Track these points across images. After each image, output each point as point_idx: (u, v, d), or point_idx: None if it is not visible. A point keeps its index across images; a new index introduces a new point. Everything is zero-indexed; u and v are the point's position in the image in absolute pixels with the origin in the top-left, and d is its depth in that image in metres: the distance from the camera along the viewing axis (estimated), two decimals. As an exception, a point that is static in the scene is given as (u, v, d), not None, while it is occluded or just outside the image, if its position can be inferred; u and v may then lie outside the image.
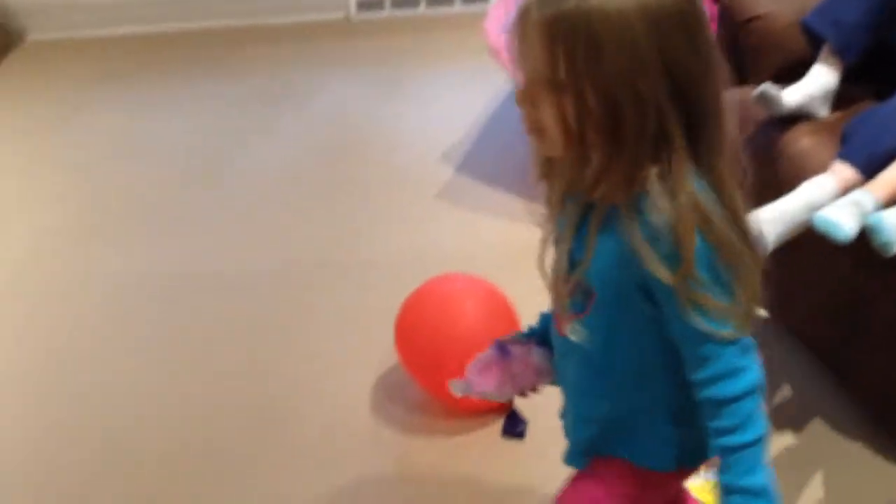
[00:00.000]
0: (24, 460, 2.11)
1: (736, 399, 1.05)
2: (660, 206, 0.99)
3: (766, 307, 1.12)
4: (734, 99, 2.15)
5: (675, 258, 0.99)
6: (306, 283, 2.63)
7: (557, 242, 1.13)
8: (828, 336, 1.99)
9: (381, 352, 2.23)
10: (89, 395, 2.28)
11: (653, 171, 0.99)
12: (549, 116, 1.01)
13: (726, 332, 1.03)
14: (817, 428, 1.95)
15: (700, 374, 1.06)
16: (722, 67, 1.09)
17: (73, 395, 2.29)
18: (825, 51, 2.02)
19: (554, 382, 1.29)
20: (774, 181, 1.92)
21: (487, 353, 1.32)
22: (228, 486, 1.99)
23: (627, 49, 0.95)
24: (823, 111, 2.01)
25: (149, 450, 2.11)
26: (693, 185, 1.00)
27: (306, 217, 2.96)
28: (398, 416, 2.11)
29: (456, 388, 1.35)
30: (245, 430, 2.14)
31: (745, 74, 2.19)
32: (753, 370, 1.06)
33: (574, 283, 1.09)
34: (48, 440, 2.16)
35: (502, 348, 1.30)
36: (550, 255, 1.14)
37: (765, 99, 1.95)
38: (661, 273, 1.00)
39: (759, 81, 2.03)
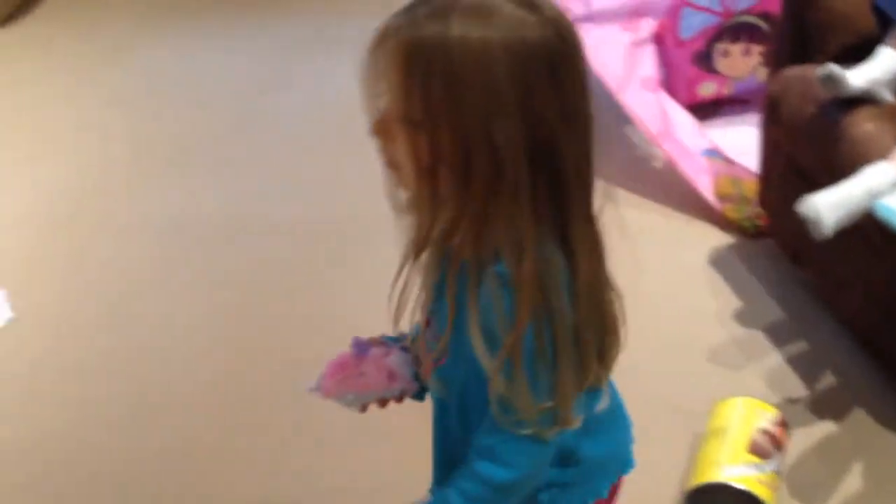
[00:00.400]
0: (69, 384, 2.17)
1: (483, 481, 0.99)
2: (500, 273, 0.90)
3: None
4: (798, 75, 2.10)
5: (498, 339, 0.91)
6: (349, 236, 2.61)
7: (421, 289, 1.04)
8: (878, 327, 1.95)
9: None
10: (134, 330, 2.33)
11: (501, 230, 0.89)
12: (403, 152, 0.92)
13: (520, 428, 0.95)
14: (860, 418, 1.92)
15: (477, 435, 1.00)
16: (593, 119, 0.94)
17: (118, 329, 2.34)
18: (894, 33, 1.96)
19: (411, 393, 1.20)
20: (834, 164, 1.88)
21: (345, 351, 1.23)
22: (260, 430, 2.01)
23: (486, 89, 0.85)
24: (889, 96, 1.95)
25: (190, 386, 2.14)
26: (542, 254, 0.90)
27: (352, 168, 2.92)
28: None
29: (307, 388, 1.24)
30: (282, 375, 2.13)
31: (809, 51, 2.13)
32: (516, 471, 0.99)
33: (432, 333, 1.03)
34: (95, 368, 2.21)
35: (360, 346, 1.21)
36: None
37: (829, 79, 1.90)
38: (480, 350, 0.92)
39: (823, 59, 1.97)
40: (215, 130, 3.17)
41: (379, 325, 2.18)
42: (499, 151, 0.86)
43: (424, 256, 1.01)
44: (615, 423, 1.15)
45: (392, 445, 1.91)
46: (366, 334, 2.22)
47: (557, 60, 0.88)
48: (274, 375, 2.15)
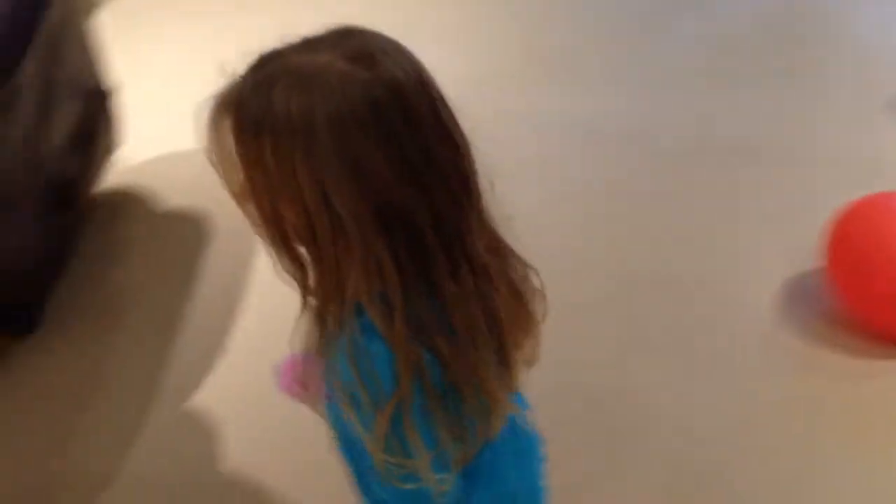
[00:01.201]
0: None
1: None
2: (366, 331, 0.87)
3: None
4: None
5: (373, 409, 0.87)
6: (732, 164, 2.56)
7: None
8: None
9: (798, 253, 2.15)
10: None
11: (361, 289, 0.86)
12: (256, 218, 0.90)
13: (406, 482, 0.92)
14: None
15: (371, 486, 0.99)
16: (458, 168, 0.90)
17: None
18: None
19: None
20: None
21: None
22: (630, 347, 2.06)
23: (312, 157, 0.82)
24: None
25: (575, 294, 2.16)
26: (414, 306, 0.87)
27: (743, 95, 2.84)
28: (801, 322, 2.04)
29: (272, 372, 1.24)
30: (645, 293, 2.17)
31: None
32: None
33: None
34: None
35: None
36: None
37: None
38: (352, 416, 0.89)
39: None
40: (611, 46, 3.17)
41: (748, 264, 2.18)
42: (339, 216, 0.84)
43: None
44: (503, 464, 1.09)
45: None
46: (729, 269, 2.22)
47: (389, 119, 0.83)
48: (634, 291, 2.19)
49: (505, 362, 0.96)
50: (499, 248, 0.98)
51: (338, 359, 0.88)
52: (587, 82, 2.97)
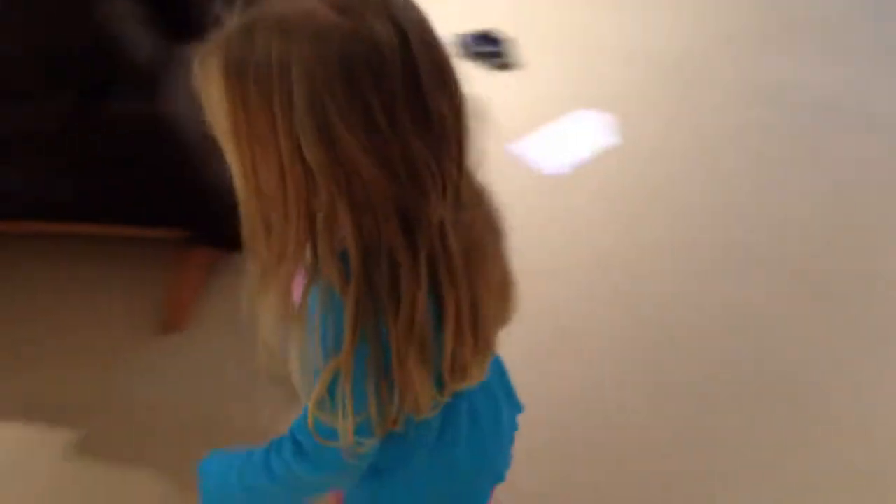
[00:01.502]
0: (647, 211, 2.30)
1: (288, 467, 0.99)
2: (329, 290, 0.86)
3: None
4: None
5: (322, 357, 0.88)
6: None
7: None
8: None
9: None
10: (714, 179, 2.39)
11: (325, 249, 0.85)
12: (234, 166, 0.87)
13: (330, 439, 0.93)
14: None
15: (294, 425, 1.00)
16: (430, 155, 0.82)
17: (701, 176, 2.40)
18: None
19: None
20: None
21: None
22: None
23: (287, 108, 0.79)
24: None
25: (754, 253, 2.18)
26: (370, 270, 0.85)
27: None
28: None
29: None
30: (839, 287, 2.11)
31: None
32: (287, 470, 0.99)
33: None
34: (678, 208, 2.31)
35: None
36: None
37: None
38: (296, 367, 0.92)
39: None
40: (832, 15, 3.03)
41: None
42: (311, 171, 0.81)
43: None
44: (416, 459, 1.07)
45: None
46: None
47: (358, 79, 0.78)
48: (851, 286, 2.11)
49: (446, 358, 0.94)
50: (476, 240, 0.93)
51: (312, 294, 0.88)
52: (818, 57, 2.85)
